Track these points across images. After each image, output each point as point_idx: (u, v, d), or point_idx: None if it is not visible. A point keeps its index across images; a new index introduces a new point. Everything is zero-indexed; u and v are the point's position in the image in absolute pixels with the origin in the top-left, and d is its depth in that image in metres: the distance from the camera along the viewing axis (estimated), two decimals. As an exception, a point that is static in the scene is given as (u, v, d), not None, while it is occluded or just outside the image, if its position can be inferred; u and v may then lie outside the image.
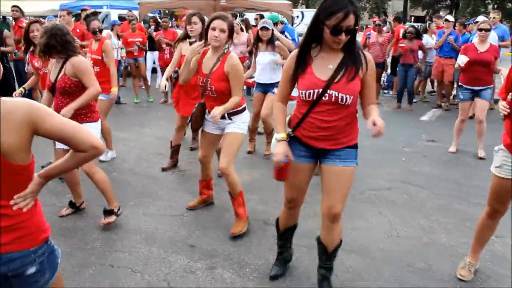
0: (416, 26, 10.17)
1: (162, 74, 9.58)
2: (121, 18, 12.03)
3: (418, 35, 9.27)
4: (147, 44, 9.96)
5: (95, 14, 5.85)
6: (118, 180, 5.01)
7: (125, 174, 5.23)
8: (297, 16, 23.89)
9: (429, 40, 9.96)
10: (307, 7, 46.65)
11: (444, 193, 4.89)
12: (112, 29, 9.81)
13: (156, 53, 10.13)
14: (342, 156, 2.73)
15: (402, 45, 9.20)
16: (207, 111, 3.82)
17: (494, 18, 8.99)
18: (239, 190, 3.86)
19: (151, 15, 12.74)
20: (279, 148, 2.70)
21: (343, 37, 2.47)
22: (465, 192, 4.91)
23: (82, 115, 3.79)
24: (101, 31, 5.62)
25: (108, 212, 3.97)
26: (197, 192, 4.40)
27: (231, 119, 3.77)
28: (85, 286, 3.08)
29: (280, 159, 2.68)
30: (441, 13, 9.42)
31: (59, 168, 1.79)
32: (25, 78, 8.65)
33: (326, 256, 2.95)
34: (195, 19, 4.78)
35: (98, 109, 4.20)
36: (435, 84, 10.42)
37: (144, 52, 9.89)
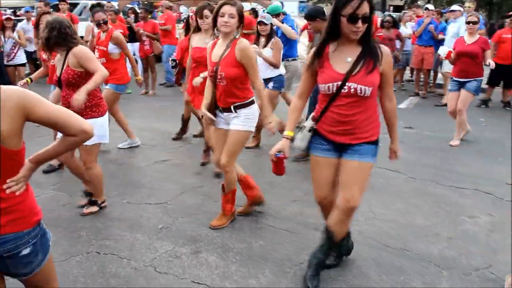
0: (393, 16, 10.31)
1: (143, 65, 9.67)
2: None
3: (395, 24, 9.45)
4: (127, 35, 9.91)
5: (100, 5, 5.82)
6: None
7: (108, 165, 5.28)
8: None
9: (405, 29, 10.14)
10: (286, -3, 46.58)
11: (420, 177, 5.07)
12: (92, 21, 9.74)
13: (137, 44, 10.09)
14: (360, 152, 2.80)
15: (380, 34, 9.36)
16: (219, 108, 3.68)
17: (469, 7, 9.18)
18: (234, 188, 3.87)
19: (130, 6, 12.67)
20: (277, 145, 2.85)
21: (360, 24, 2.53)
22: (440, 176, 5.09)
23: (88, 108, 3.75)
24: (106, 22, 5.65)
25: (92, 202, 4.07)
26: (181, 180, 4.50)
27: (236, 112, 3.59)
28: (73, 272, 3.16)
29: (273, 153, 2.84)
30: (419, 3, 9.56)
31: (50, 152, 1.87)
32: (5, 72, 8.60)
33: (330, 243, 3.00)
34: (206, 12, 4.64)
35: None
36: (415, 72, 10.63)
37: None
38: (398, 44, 9.53)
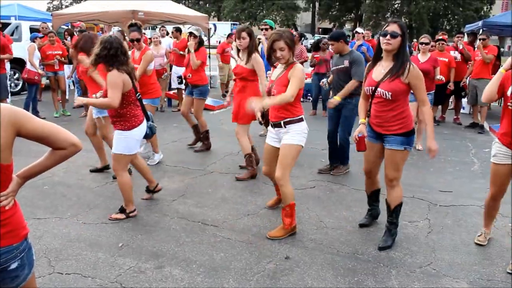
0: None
1: (81, 88, 9.54)
2: (34, 30, 11.66)
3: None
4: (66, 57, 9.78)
5: (136, 25, 6.13)
6: (51, 193, 5.02)
7: (58, 187, 5.23)
8: (210, 28, 24.33)
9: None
10: (218, 19, 47.37)
11: (362, 188, 5.37)
12: (34, 42, 9.49)
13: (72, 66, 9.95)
14: (390, 141, 3.75)
15: (316, 56, 9.86)
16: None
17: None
18: (290, 202, 4.02)
19: (64, 27, 12.45)
20: (359, 127, 3.91)
21: (388, 37, 3.54)
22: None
23: (118, 121, 4.26)
24: (138, 40, 6.07)
25: (121, 210, 4.45)
26: (134, 199, 4.56)
27: (285, 127, 3.96)
28: (38, 293, 3.15)
29: (356, 135, 3.87)
30: (358, 29, 10.30)
31: (38, 167, 1.93)
32: None
33: (390, 211, 3.96)
34: (243, 34, 5.35)
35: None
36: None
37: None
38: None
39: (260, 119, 4.45)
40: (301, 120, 3.99)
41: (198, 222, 4.36)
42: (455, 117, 9.96)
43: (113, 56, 4.08)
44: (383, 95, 3.63)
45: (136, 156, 4.55)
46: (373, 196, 4.34)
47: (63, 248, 3.79)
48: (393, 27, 3.55)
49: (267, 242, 3.97)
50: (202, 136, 7.03)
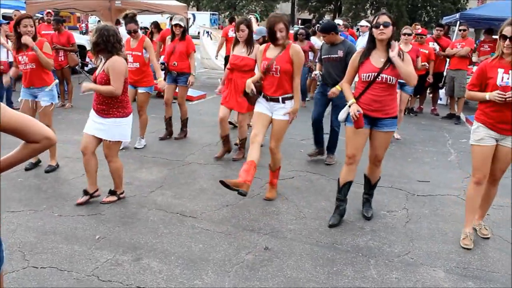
0: (306, 29, 10.86)
1: (57, 77, 9.34)
2: (7, 17, 11.35)
3: (308, 36, 9.98)
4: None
5: (131, 17, 6.18)
6: (26, 185, 4.90)
7: (32, 179, 5.11)
8: (189, 18, 24.11)
9: (317, 41, 10.72)
10: (197, 9, 46.94)
11: (340, 178, 5.44)
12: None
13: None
14: (387, 124, 4.01)
15: (294, 46, 9.81)
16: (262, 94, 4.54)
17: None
18: (279, 165, 4.76)
19: (39, 15, 12.16)
20: (353, 106, 3.91)
21: (382, 27, 3.79)
22: (358, 176, 5.46)
23: (114, 109, 4.28)
24: (135, 32, 6.15)
25: (112, 192, 4.57)
26: (107, 190, 4.52)
27: (284, 103, 4.44)
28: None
29: (355, 112, 3.85)
30: (338, 21, 10.37)
31: (10, 160, 1.83)
32: None
33: (369, 186, 4.44)
34: (242, 27, 5.55)
35: (139, 102, 6.25)
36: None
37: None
38: (311, 55, 10.07)
39: (255, 91, 4.49)
40: (292, 97, 4.47)
41: (176, 213, 4.32)
42: (432, 108, 10.07)
43: (112, 43, 4.14)
44: (388, 80, 3.88)
45: (95, 156, 4.49)
46: (345, 189, 4.24)
47: (38, 242, 3.71)
48: (383, 18, 3.81)
49: (246, 233, 3.96)
50: (182, 124, 7.10)
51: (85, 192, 4.50)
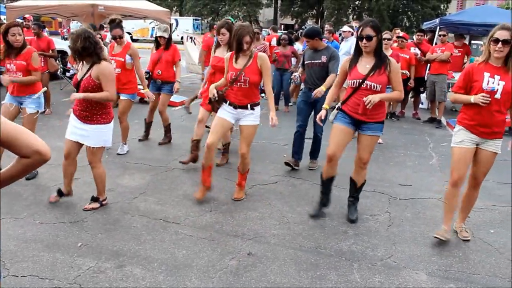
0: (289, 34, 10.91)
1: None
2: (-14, 23, 11.20)
3: (291, 42, 10.04)
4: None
5: (116, 22, 6.18)
6: (6, 192, 4.79)
7: (13, 186, 4.94)
8: (172, 24, 24.07)
9: (300, 47, 10.79)
10: (180, 15, 46.89)
11: (323, 183, 5.47)
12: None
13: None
14: (372, 128, 4.14)
15: (277, 51, 9.88)
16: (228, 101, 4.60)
17: (355, 26, 10.04)
18: (248, 168, 4.88)
19: (19, 20, 12.01)
20: (321, 112, 4.36)
21: (365, 41, 3.96)
22: (341, 181, 5.49)
23: (98, 115, 4.24)
24: (121, 37, 6.14)
25: (95, 199, 4.53)
26: (89, 197, 4.48)
27: (253, 109, 4.56)
28: (-9, 297, 3.03)
29: (332, 120, 4.28)
30: (327, 26, 10.54)
31: (3, 176, 1.65)
32: None
33: (355, 189, 4.50)
34: (223, 30, 5.51)
35: (121, 109, 6.20)
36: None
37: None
38: (294, 60, 10.12)
39: (216, 96, 4.56)
40: (259, 103, 4.64)
41: (159, 219, 4.29)
42: (414, 112, 10.19)
43: (99, 45, 4.11)
44: (373, 87, 4.01)
45: (75, 161, 4.53)
46: (328, 183, 4.46)
47: (19, 250, 3.65)
48: (366, 31, 3.97)
49: (230, 239, 3.95)
50: (165, 130, 7.10)
51: (59, 192, 4.60)
